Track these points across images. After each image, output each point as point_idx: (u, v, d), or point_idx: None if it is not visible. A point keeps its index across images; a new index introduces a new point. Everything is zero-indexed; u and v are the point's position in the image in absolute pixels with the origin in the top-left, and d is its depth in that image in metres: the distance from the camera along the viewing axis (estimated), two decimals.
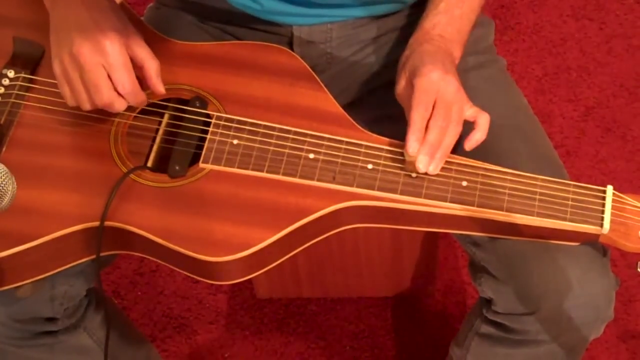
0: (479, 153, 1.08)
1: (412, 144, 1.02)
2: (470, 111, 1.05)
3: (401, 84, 1.08)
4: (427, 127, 1.03)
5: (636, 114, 1.96)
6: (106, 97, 1.03)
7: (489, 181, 1.05)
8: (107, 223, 1.03)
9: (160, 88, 1.08)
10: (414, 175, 1.05)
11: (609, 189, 1.04)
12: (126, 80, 1.03)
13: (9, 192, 0.91)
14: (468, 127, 1.06)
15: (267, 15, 1.19)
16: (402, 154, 1.06)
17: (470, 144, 1.05)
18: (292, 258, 1.08)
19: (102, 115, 1.08)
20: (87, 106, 1.05)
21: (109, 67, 1.02)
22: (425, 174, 1.04)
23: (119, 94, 1.04)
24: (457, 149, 1.08)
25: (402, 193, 1.05)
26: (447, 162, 1.06)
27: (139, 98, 1.06)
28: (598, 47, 2.06)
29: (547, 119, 1.94)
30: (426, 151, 1.03)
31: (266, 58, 1.14)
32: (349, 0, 1.18)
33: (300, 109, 1.10)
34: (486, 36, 1.29)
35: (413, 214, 1.06)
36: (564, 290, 1.07)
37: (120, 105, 1.05)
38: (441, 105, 1.03)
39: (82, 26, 1.03)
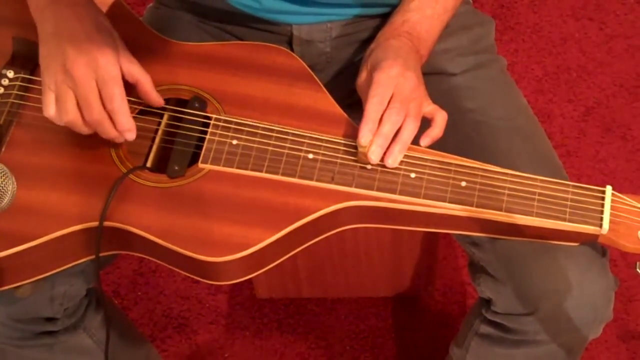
0: (479, 153, 1.09)
1: (365, 134, 1.03)
2: (429, 108, 1.06)
3: (362, 76, 1.09)
4: (381, 120, 1.03)
5: (636, 114, 1.96)
6: (97, 113, 1.02)
7: (488, 181, 1.05)
8: (107, 223, 1.03)
9: (159, 100, 1.08)
10: (368, 167, 1.05)
11: (608, 189, 1.04)
12: (114, 94, 1.02)
13: (9, 192, 0.91)
14: (463, 132, 1.06)
15: (266, 14, 1.20)
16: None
17: (426, 140, 1.05)
18: (292, 258, 1.08)
19: None
20: (66, 118, 1.02)
21: (100, 82, 1.02)
22: (383, 166, 1.04)
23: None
24: (452, 149, 1.08)
25: (401, 193, 1.05)
26: (445, 163, 1.06)
27: (127, 122, 1.03)
28: (598, 47, 2.06)
29: (547, 119, 1.94)
30: (379, 142, 1.03)
31: (265, 58, 1.14)
32: (349, 0, 1.18)
33: (299, 109, 1.10)
34: (486, 36, 1.29)
35: (412, 214, 1.06)
36: (563, 290, 1.07)
37: (109, 127, 1.03)
38: (397, 100, 1.03)
39: (75, 39, 1.02)
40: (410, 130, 1.04)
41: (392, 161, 1.04)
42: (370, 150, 1.03)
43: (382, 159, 1.04)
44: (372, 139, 1.03)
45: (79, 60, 1.01)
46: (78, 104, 1.02)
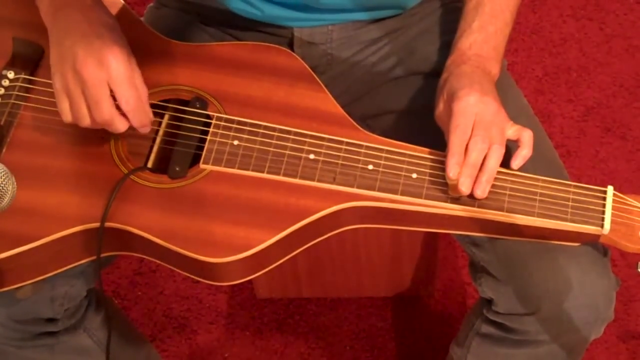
0: None
1: (452, 167, 1.01)
2: (512, 130, 1.04)
3: (439, 108, 1.07)
4: (466, 150, 1.01)
5: (636, 114, 1.96)
6: (106, 113, 1.01)
7: None
8: (107, 224, 1.03)
9: (148, 116, 1.05)
10: (460, 199, 1.03)
11: (610, 189, 1.04)
12: (130, 96, 1.02)
13: (9, 192, 0.91)
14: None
15: (268, 20, 1.19)
16: (400, 154, 1.06)
17: (517, 161, 1.04)
18: (292, 258, 1.08)
19: None
20: (85, 122, 1.03)
21: (113, 83, 1.01)
22: (472, 196, 1.03)
23: (120, 112, 1.02)
24: None
25: (402, 194, 1.04)
26: None
27: (142, 117, 1.03)
28: (598, 47, 2.06)
29: (547, 119, 1.94)
30: (468, 173, 1.01)
31: (266, 58, 1.14)
32: (350, 5, 1.17)
33: (300, 110, 1.10)
34: None
35: (413, 214, 1.06)
36: (564, 290, 1.07)
37: (120, 124, 1.02)
38: (480, 127, 1.02)
39: (86, 41, 1.01)
40: (495, 158, 1.02)
41: (481, 192, 1.02)
42: (460, 182, 1.01)
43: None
44: (460, 170, 1.01)
45: (89, 61, 1.00)
46: (87, 104, 1.02)
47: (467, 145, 1.02)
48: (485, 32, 1.12)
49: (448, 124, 1.03)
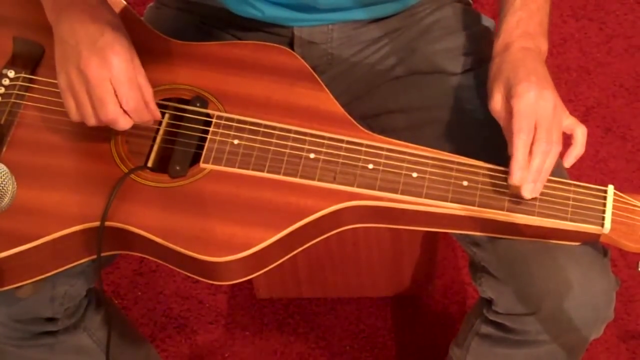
0: (480, 152, 1.08)
1: (517, 172, 1.00)
2: (567, 122, 1.03)
3: (497, 100, 1.05)
4: (530, 152, 1.00)
5: (636, 114, 1.96)
6: (111, 112, 1.02)
7: (490, 180, 1.05)
8: (108, 223, 1.03)
9: (156, 114, 1.06)
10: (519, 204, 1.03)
11: (610, 188, 1.04)
12: (131, 96, 1.02)
13: (9, 192, 0.91)
14: (465, 131, 1.05)
15: (268, 20, 1.20)
16: (400, 153, 1.06)
17: (569, 160, 1.03)
18: (292, 258, 1.08)
19: None
20: (92, 121, 1.03)
21: (115, 82, 1.01)
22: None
23: (124, 111, 1.03)
24: (453, 148, 1.08)
25: (402, 193, 1.04)
26: (447, 162, 1.06)
27: (144, 116, 1.04)
28: (598, 47, 2.06)
29: None
30: (532, 178, 1.00)
31: (267, 58, 1.14)
32: (350, 4, 1.17)
33: (300, 109, 1.10)
34: (487, 36, 1.29)
35: (414, 213, 1.06)
36: (564, 290, 1.07)
37: (125, 123, 1.03)
38: (543, 128, 1.00)
39: (90, 40, 1.02)
40: (553, 158, 1.01)
41: (535, 193, 1.02)
42: (524, 188, 1.01)
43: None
44: (525, 176, 1.00)
45: (92, 60, 1.01)
46: (92, 103, 1.02)
47: (530, 148, 1.01)
48: (529, 9, 1.11)
49: (508, 121, 1.02)
